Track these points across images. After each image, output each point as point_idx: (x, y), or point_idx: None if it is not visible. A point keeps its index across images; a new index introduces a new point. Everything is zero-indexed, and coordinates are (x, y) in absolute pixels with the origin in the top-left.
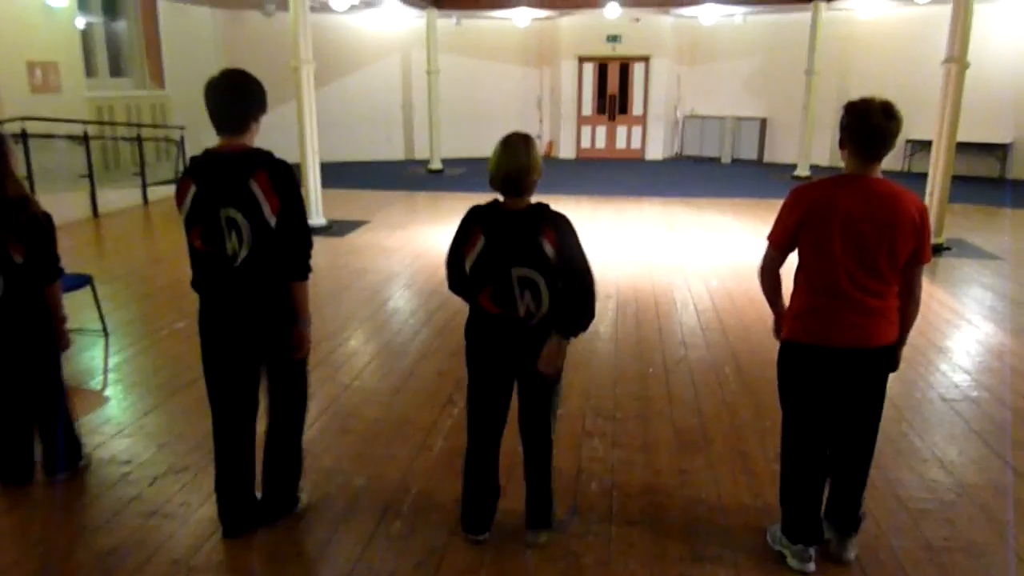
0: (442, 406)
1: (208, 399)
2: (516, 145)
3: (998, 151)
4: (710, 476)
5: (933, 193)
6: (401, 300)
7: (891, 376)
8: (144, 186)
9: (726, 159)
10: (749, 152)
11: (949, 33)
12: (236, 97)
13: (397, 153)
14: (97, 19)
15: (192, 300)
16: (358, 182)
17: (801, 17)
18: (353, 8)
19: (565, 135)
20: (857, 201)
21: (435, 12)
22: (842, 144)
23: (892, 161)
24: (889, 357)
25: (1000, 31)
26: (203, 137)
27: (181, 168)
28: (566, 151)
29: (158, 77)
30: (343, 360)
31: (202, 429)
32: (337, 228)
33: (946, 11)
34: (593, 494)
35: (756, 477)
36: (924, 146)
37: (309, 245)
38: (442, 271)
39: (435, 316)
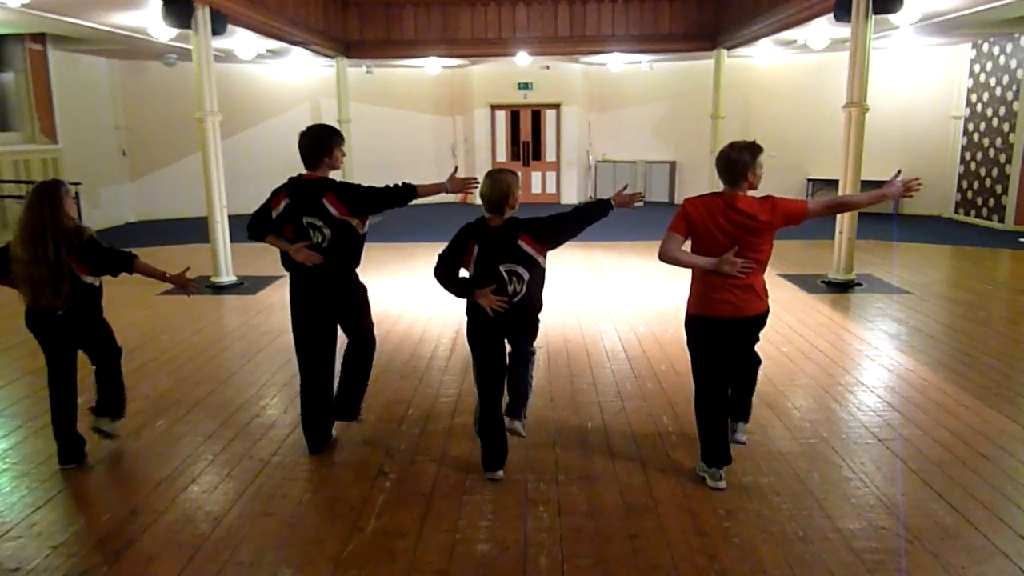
0: (372, 480)
1: (296, 352)
2: (499, 179)
3: None
4: (662, 540)
5: (843, 231)
6: None
7: (825, 417)
8: None
9: (639, 202)
10: (661, 194)
11: (848, 79)
12: (312, 145)
13: None
14: None
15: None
16: None
17: (704, 64)
18: (260, 57)
19: (481, 182)
20: (723, 210)
21: (344, 61)
22: (719, 172)
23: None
24: (760, 321)
25: (884, 76)
26: (103, 192)
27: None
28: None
29: (50, 131)
30: (260, 432)
31: (104, 524)
32: (249, 285)
33: (838, 58)
34: (544, 571)
35: (708, 537)
36: (823, 184)
37: (388, 192)
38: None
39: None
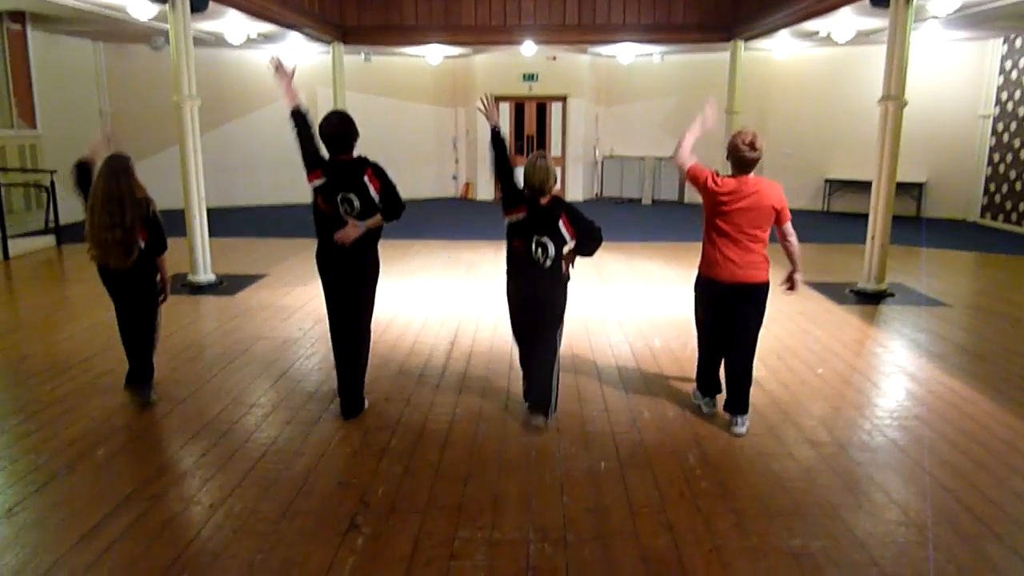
0: (342, 535)
1: (328, 317)
2: (539, 166)
3: (913, 190)
4: None
5: (875, 236)
6: (297, 376)
7: (885, 460)
8: (3, 238)
9: (647, 200)
10: (670, 193)
11: (885, 70)
12: (342, 132)
13: (303, 196)
14: None
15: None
16: (256, 230)
17: (719, 57)
18: (251, 42)
19: (483, 177)
20: (735, 190)
21: (341, 47)
22: (728, 159)
23: (812, 201)
24: (760, 291)
25: (909, 71)
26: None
27: (52, 218)
28: (484, 193)
29: (29, 116)
30: (214, 470)
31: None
32: (228, 285)
33: (860, 52)
34: None
35: None
36: (842, 185)
37: (400, 202)
38: None
39: (338, 400)
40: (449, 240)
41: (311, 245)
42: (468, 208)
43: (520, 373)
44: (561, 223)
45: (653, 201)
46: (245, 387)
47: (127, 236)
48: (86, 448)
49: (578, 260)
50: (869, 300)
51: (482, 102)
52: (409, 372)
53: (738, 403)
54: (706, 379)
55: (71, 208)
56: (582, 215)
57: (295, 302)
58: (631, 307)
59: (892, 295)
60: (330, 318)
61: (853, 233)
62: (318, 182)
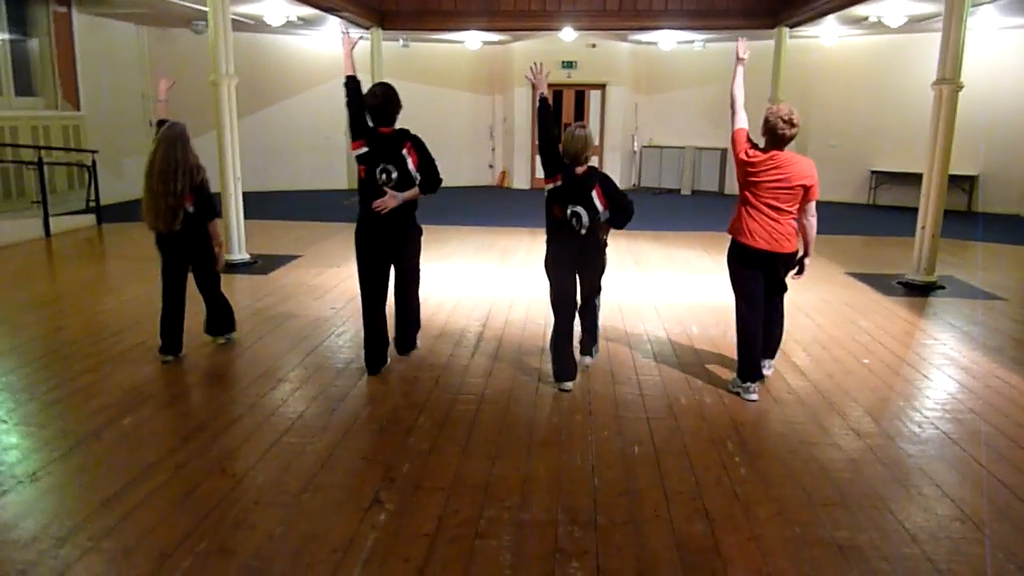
0: (364, 510)
1: (359, 282)
2: (578, 136)
3: (964, 183)
4: None
5: (926, 226)
6: (325, 354)
7: (938, 453)
8: (46, 216)
9: (686, 190)
10: (710, 183)
11: (940, 51)
12: (386, 103)
13: (340, 182)
14: (2, 35)
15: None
16: (293, 213)
17: (762, 45)
18: (291, 26)
19: (519, 165)
20: (766, 163)
21: (380, 33)
22: (763, 133)
23: (856, 194)
24: (790, 260)
25: (967, 59)
26: (124, 162)
27: (93, 197)
28: (520, 181)
29: (73, 97)
30: (238, 441)
31: None
32: (262, 264)
33: (908, 40)
34: None
35: None
36: (888, 177)
37: (438, 175)
38: None
39: (366, 376)
40: (484, 226)
41: (346, 228)
42: (504, 196)
43: (549, 356)
44: (595, 193)
45: (693, 192)
46: (274, 362)
47: (177, 202)
48: (114, 416)
49: (616, 249)
50: (918, 292)
51: (531, 70)
52: (439, 352)
53: (766, 348)
54: (751, 359)
55: (112, 188)
56: (616, 187)
57: (328, 282)
58: (668, 294)
59: (943, 287)
60: (362, 284)
61: (900, 226)
62: (362, 150)
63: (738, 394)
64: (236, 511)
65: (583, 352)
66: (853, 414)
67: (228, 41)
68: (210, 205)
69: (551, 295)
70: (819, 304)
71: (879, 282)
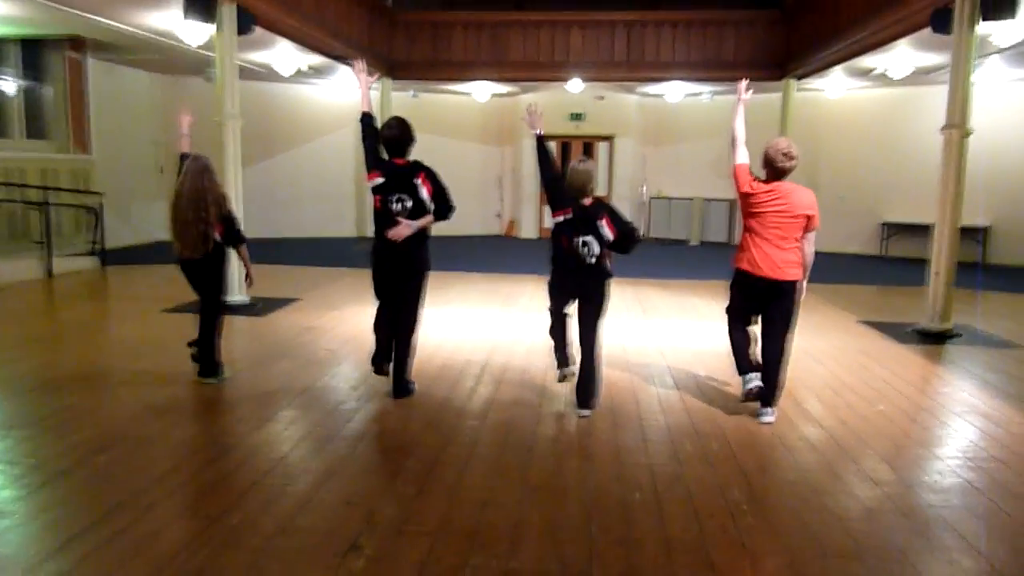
0: (342, 556)
1: (374, 294)
2: (581, 171)
3: (976, 235)
4: None
5: (939, 272)
6: (314, 396)
7: (961, 502)
8: (50, 257)
9: (695, 241)
10: (719, 234)
11: (948, 95)
12: (401, 136)
13: (348, 229)
14: (15, 79)
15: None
16: (297, 259)
17: (770, 98)
18: (302, 75)
19: (527, 215)
20: (769, 195)
21: (390, 83)
22: (763, 166)
23: (868, 245)
24: (791, 287)
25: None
26: (134, 208)
27: (98, 239)
28: (528, 231)
29: (83, 142)
30: (215, 482)
31: None
32: (262, 306)
33: (916, 92)
34: None
35: None
36: (899, 229)
37: (451, 203)
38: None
39: (356, 417)
40: (489, 272)
41: (348, 274)
42: (511, 244)
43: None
44: (603, 223)
45: (701, 242)
46: (262, 403)
47: (207, 229)
48: (86, 454)
49: (622, 296)
50: (933, 340)
51: (527, 110)
52: (433, 394)
53: (767, 393)
54: (743, 358)
55: (119, 233)
56: (622, 216)
57: (325, 324)
58: (675, 339)
59: (959, 335)
60: (377, 296)
61: (913, 276)
62: (377, 181)
63: (748, 395)
64: (203, 555)
65: (580, 405)
66: (868, 462)
67: (234, 82)
68: (237, 232)
69: (550, 305)
70: (832, 351)
71: (893, 330)
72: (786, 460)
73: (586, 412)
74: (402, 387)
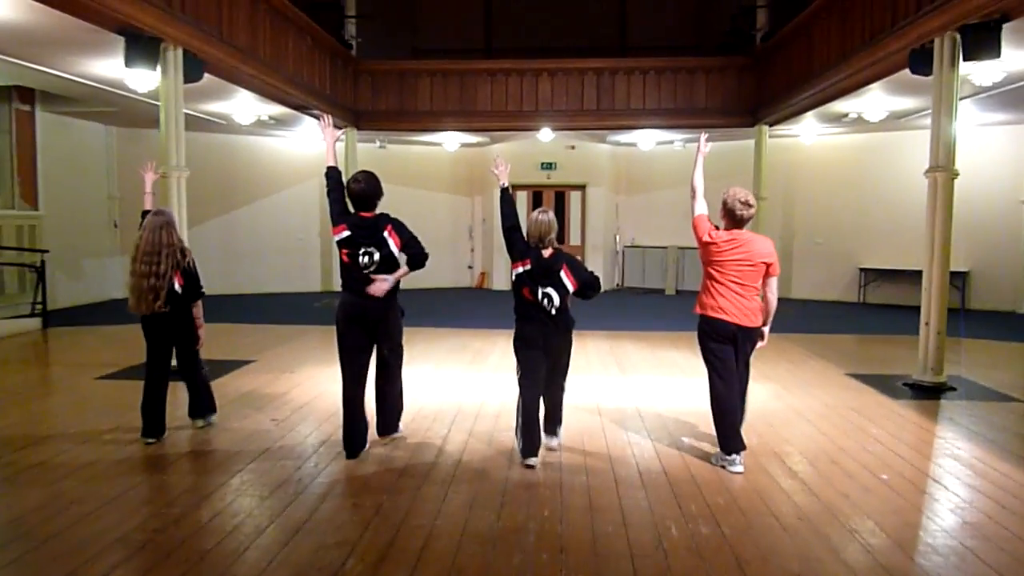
0: None
1: (340, 365)
2: (541, 221)
3: (956, 280)
4: None
5: (930, 322)
6: (250, 477)
7: None
8: None
9: (670, 290)
10: (694, 283)
11: (931, 136)
12: (368, 190)
13: (313, 284)
14: None
15: None
16: (254, 316)
17: (743, 144)
18: (264, 126)
19: (499, 266)
20: (729, 243)
21: (355, 133)
22: (722, 216)
23: (846, 292)
24: (754, 334)
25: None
26: (87, 265)
27: (39, 300)
28: (500, 283)
29: (31, 196)
30: None
31: None
32: (212, 370)
33: (889, 138)
34: None
35: None
36: (878, 275)
37: (423, 251)
38: (331, 430)
39: (294, 504)
40: (459, 328)
41: (307, 332)
42: (483, 297)
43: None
44: (563, 273)
45: (677, 291)
46: (190, 488)
47: (159, 283)
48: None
49: (597, 351)
50: (927, 394)
51: (495, 162)
52: (384, 473)
53: (739, 425)
54: (735, 436)
55: (70, 291)
56: (582, 266)
57: (277, 390)
58: (654, 399)
59: (953, 389)
60: (344, 367)
61: (896, 324)
62: (344, 235)
63: (723, 467)
64: None
65: (547, 432)
66: (879, 544)
67: (179, 132)
68: (196, 287)
69: (519, 374)
70: (822, 409)
71: (883, 383)
72: (786, 545)
73: (556, 441)
74: (394, 425)
